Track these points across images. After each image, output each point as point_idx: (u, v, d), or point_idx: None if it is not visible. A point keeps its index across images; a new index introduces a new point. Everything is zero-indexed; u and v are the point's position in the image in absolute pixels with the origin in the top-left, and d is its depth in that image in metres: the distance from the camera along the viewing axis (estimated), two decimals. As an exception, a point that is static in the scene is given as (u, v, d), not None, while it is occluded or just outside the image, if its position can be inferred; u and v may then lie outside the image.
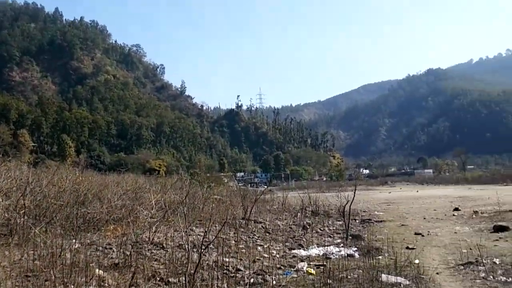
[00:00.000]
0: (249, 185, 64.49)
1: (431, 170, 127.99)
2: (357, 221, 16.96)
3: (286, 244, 10.91)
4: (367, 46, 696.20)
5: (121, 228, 9.14)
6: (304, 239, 11.85)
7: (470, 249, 9.52)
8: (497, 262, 8.32)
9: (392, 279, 7.17)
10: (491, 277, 7.34)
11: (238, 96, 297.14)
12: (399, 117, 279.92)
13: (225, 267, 7.48)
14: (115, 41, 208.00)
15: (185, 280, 5.71)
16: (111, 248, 7.89)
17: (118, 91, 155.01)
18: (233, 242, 9.98)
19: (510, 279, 7.08)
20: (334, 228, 14.69)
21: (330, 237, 12.84)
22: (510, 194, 26.79)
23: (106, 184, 14.73)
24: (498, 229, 12.81)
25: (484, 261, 8.24)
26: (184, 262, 6.59)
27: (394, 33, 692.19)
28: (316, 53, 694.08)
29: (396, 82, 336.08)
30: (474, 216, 17.23)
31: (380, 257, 9.20)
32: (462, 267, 8.26)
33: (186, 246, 6.84)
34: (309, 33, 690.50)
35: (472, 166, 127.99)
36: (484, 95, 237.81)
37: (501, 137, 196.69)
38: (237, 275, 7.19)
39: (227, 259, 8.00)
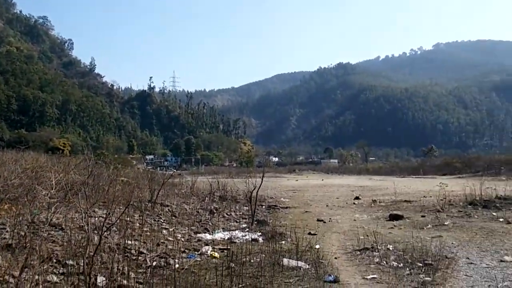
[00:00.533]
0: (158, 168, 63.62)
1: (336, 160, 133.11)
2: (263, 207, 17.28)
3: (192, 228, 10.88)
4: (282, 37, 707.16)
5: (17, 208, 8.61)
6: (210, 223, 11.88)
7: (367, 235, 10.01)
8: (391, 248, 8.80)
9: (293, 263, 7.37)
10: (384, 262, 7.74)
11: (150, 77, 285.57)
12: (309, 108, 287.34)
13: (128, 250, 7.31)
14: (20, 12, 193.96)
15: (84, 263, 5.50)
16: (4, 228, 7.42)
17: (21, 65, 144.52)
18: (138, 225, 9.78)
19: (401, 264, 7.51)
20: (241, 213, 14.88)
21: (236, 222, 12.99)
22: (406, 185, 28.48)
23: (3, 161, 13.84)
24: (393, 217, 13.59)
25: (379, 247, 8.68)
26: (84, 244, 6.35)
27: (308, 26, 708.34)
28: (231, 40, 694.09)
29: (308, 74, 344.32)
30: (372, 205, 18.13)
31: (283, 242, 9.41)
32: (358, 253, 8.66)
33: (87, 227, 6.58)
34: (225, 20, 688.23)
35: (373, 158, 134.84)
36: (388, 91, 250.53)
37: (401, 132, 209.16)
38: (139, 258, 7.06)
39: (130, 242, 7.81)
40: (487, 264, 7.59)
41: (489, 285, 6.28)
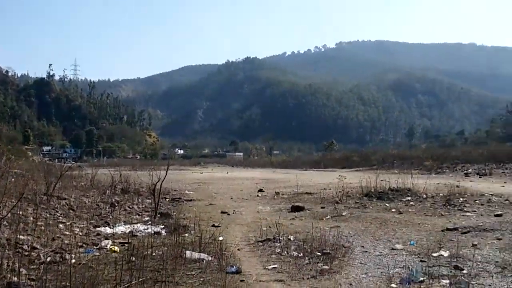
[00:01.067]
0: (56, 160, 60.70)
1: (241, 153, 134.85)
2: (167, 199, 17.07)
3: (91, 221, 10.48)
4: (191, 28, 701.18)
5: None
6: (111, 217, 11.53)
7: (270, 227, 10.20)
8: (292, 239, 9.02)
9: (196, 255, 7.33)
10: (285, 252, 7.92)
11: (50, 65, 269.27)
12: (217, 101, 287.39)
13: (19, 245, 6.88)
14: None
15: (-32, 260, 5.09)
16: None
17: None
18: (31, 218, 9.23)
19: (301, 254, 7.72)
20: (144, 206, 14.57)
21: (138, 215, 12.71)
22: (307, 178, 29.42)
23: None
24: (295, 209, 13.99)
25: (280, 238, 8.88)
26: (-31, 240, 5.88)
27: (217, 19, 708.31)
28: (138, 29, 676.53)
29: (216, 67, 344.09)
30: (275, 197, 18.51)
31: (186, 234, 9.33)
32: (261, 244, 8.79)
33: (-28, 222, 6.11)
34: (131, 7, 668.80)
35: (278, 152, 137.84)
36: (293, 87, 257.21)
37: (305, 127, 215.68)
38: (32, 253, 6.66)
39: (22, 237, 7.36)
40: (380, 252, 8.02)
41: (381, 272, 6.64)
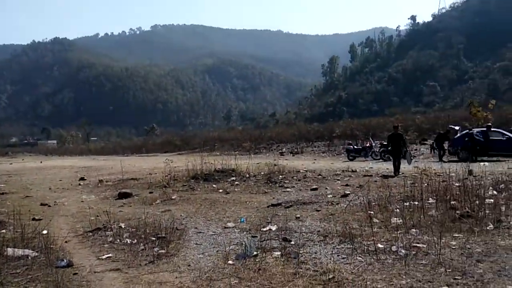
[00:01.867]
0: None
1: (55, 141, 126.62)
2: (-28, 195, 15.27)
3: None
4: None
5: None
6: None
7: (98, 216, 9.83)
8: (123, 226, 8.80)
9: (19, 252, 6.80)
10: (118, 240, 7.72)
11: None
12: (23, 85, 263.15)
13: None
14: None
15: None
16: None
17: None
18: None
19: (135, 240, 7.59)
20: None
21: None
22: (131, 164, 28.91)
23: None
24: (123, 195, 13.69)
25: (111, 226, 8.62)
26: None
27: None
28: None
29: (20, 48, 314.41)
30: (99, 185, 17.88)
31: (4, 230, 8.56)
32: (90, 234, 8.45)
33: None
34: None
35: (95, 138, 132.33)
36: (108, 70, 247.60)
37: (123, 111, 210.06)
38: None
39: None
40: (213, 232, 8.25)
41: (217, 250, 6.85)
